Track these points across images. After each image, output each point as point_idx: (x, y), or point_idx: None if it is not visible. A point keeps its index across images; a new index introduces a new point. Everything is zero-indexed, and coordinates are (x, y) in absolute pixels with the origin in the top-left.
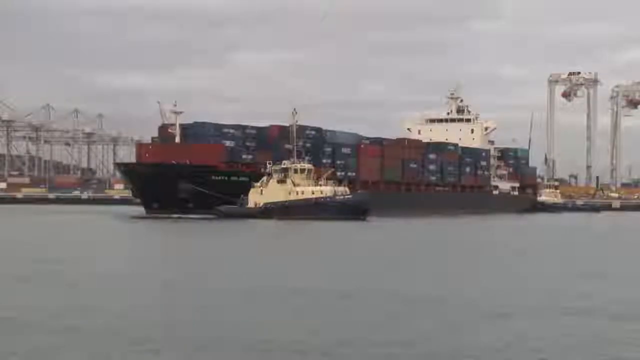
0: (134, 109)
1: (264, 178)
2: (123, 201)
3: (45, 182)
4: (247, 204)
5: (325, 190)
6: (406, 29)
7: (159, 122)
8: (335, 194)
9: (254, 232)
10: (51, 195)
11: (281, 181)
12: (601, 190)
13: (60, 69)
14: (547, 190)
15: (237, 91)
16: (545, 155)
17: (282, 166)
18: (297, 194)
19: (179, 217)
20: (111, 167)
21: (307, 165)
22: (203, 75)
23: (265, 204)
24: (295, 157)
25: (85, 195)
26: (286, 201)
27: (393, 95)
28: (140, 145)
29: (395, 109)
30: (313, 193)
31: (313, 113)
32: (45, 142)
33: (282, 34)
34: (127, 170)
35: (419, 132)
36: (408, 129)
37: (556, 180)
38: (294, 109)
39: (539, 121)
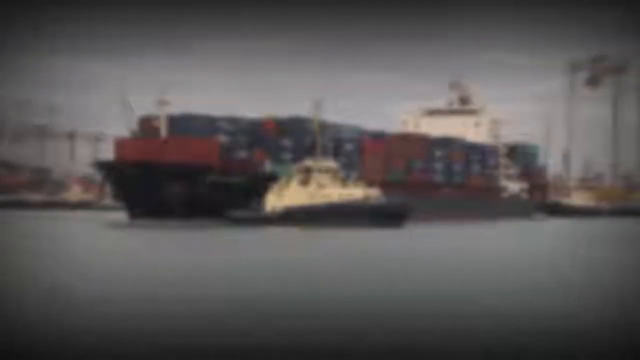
0: (88, 100)
1: (283, 179)
2: (81, 205)
3: None
4: (263, 208)
5: (356, 193)
6: (397, 12)
7: (122, 115)
8: (367, 197)
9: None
10: None
11: (304, 182)
12: (630, 192)
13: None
14: (579, 192)
15: (208, 81)
16: (565, 152)
17: (305, 165)
18: (323, 197)
19: (184, 224)
20: (67, 166)
21: (333, 164)
22: (170, 63)
23: (286, 208)
24: (319, 154)
25: (37, 199)
26: (310, 205)
27: (384, 84)
28: (119, 141)
29: (387, 98)
30: (341, 196)
31: (295, 103)
32: None
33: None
34: (107, 170)
35: (417, 125)
36: (404, 121)
37: (585, 180)
38: (316, 100)
39: (557, 113)
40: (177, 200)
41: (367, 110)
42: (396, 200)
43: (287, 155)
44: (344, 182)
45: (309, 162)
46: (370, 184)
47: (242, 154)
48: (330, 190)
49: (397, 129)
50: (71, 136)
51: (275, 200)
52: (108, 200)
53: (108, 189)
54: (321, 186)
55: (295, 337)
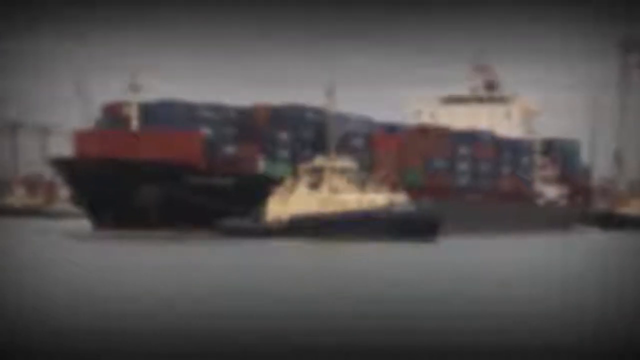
0: (35, 85)
1: (288, 182)
2: (27, 211)
3: None
4: (263, 216)
5: (377, 198)
6: None
7: (77, 102)
8: (391, 204)
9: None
10: None
11: (313, 186)
12: None
13: None
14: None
15: (191, 64)
16: (616, 150)
17: (315, 164)
18: (337, 204)
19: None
20: (9, 163)
21: (350, 164)
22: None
23: (292, 217)
24: (332, 151)
25: None
26: (322, 214)
27: (393, 67)
28: (80, 134)
29: (396, 83)
30: (360, 203)
31: (286, 89)
32: None
33: None
34: (66, 169)
35: (433, 115)
36: (417, 111)
37: None
38: (330, 86)
39: (603, 103)
40: (151, 205)
41: (371, 96)
42: (427, 208)
43: (284, 152)
44: (363, 185)
45: (319, 161)
46: (394, 188)
47: (229, 150)
48: (346, 195)
49: (407, 121)
50: (14, 128)
51: (279, 207)
52: (61, 205)
53: (64, 191)
54: (335, 190)
55: None
